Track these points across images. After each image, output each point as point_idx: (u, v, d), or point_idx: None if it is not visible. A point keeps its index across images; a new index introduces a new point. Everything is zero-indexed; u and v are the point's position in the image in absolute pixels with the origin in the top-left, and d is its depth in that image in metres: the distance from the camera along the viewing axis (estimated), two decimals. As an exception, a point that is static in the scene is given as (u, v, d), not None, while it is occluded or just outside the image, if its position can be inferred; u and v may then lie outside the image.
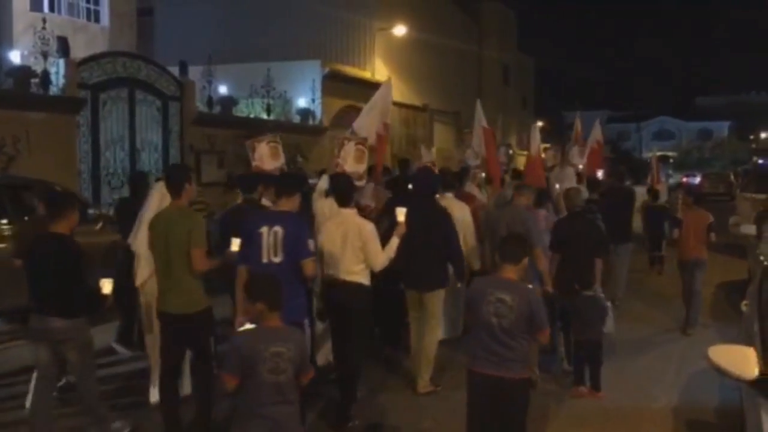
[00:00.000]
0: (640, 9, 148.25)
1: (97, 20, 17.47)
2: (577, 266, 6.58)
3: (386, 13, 23.85)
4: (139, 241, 5.74)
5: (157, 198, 5.75)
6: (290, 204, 5.10)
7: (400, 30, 23.49)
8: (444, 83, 29.40)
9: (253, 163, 7.60)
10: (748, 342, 4.26)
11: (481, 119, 11.46)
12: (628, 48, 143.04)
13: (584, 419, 5.91)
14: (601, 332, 6.44)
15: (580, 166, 12.79)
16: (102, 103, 12.89)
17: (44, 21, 12.54)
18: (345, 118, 21.31)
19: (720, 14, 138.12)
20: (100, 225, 8.94)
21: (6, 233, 8.08)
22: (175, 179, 5.15)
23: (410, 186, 7.66)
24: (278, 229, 4.88)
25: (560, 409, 6.07)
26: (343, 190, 5.76)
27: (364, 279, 5.60)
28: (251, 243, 4.95)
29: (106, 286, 5.00)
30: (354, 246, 5.47)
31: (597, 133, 14.30)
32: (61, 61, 12.24)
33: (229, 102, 16.95)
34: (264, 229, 4.91)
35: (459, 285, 6.75)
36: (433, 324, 6.39)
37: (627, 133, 69.99)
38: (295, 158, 16.55)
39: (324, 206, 6.31)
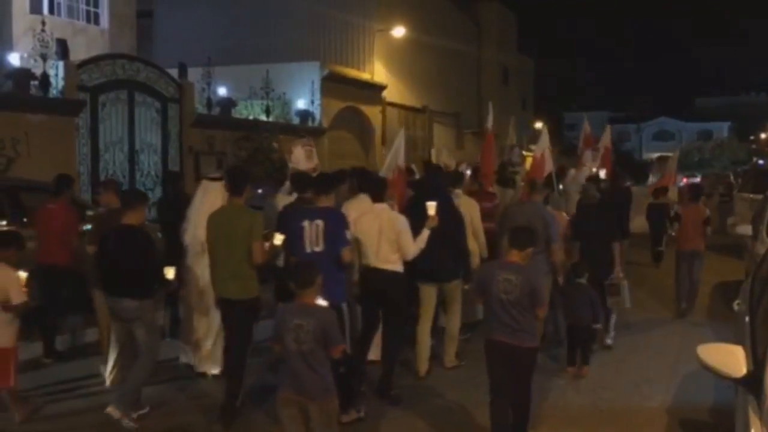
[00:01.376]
0: (639, 9, 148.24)
1: (96, 22, 17.50)
2: (597, 253, 7.37)
3: (385, 14, 23.89)
4: (190, 234, 6.47)
5: (199, 198, 6.53)
6: (328, 201, 5.73)
7: (399, 31, 23.51)
8: (443, 84, 29.43)
9: (290, 165, 8.26)
10: (739, 341, 4.29)
11: (488, 121, 11.99)
12: (628, 49, 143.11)
13: (578, 419, 5.94)
14: (591, 318, 6.96)
15: (594, 169, 13.19)
16: (101, 105, 12.93)
17: (44, 23, 12.59)
18: (344, 119, 21.39)
19: (719, 15, 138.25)
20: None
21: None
22: (238, 181, 5.77)
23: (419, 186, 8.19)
24: (319, 222, 5.52)
25: (554, 409, 6.10)
26: (376, 188, 6.33)
27: (399, 267, 6.18)
28: (295, 236, 5.55)
29: (170, 272, 5.68)
30: (389, 238, 6.04)
31: (606, 139, 14.98)
32: (61, 64, 12.28)
33: (228, 103, 16.97)
34: (306, 223, 5.54)
35: (466, 287, 7.00)
36: (455, 308, 7.08)
37: (627, 134, 70.06)
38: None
39: (350, 206, 6.58)
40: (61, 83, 12.18)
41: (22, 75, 11.75)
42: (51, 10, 16.10)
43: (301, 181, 6.80)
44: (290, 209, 6.50)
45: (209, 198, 6.39)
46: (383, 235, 6.02)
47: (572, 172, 12.80)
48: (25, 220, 8.35)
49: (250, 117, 17.85)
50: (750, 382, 3.50)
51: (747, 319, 4.52)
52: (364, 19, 23.68)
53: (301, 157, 8.11)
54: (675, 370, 7.13)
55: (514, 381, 5.01)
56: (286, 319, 4.26)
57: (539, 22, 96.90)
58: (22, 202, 8.67)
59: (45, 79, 11.86)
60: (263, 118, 17.84)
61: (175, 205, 6.99)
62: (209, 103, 16.31)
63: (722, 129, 68.60)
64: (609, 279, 7.57)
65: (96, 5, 17.51)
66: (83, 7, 17.22)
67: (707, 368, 3.72)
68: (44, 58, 11.97)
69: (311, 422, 4.30)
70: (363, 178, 6.72)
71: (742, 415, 3.62)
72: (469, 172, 10.89)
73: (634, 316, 9.05)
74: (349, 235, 5.64)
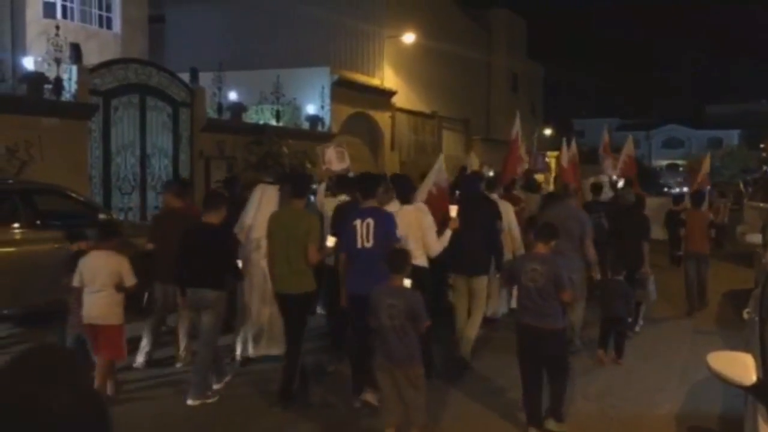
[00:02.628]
0: (649, 17, 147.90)
1: (109, 27, 17.65)
2: (629, 251, 8.31)
3: (395, 20, 23.97)
4: (254, 232, 7.04)
5: (256, 199, 7.18)
6: (373, 201, 6.22)
7: (409, 38, 23.59)
8: (453, 91, 29.48)
9: (323, 166, 8.82)
10: (750, 349, 4.29)
11: (514, 130, 12.88)
12: (638, 56, 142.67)
13: (586, 426, 5.95)
14: (624, 311, 7.74)
15: (614, 177, 13.76)
16: (113, 109, 13.02)
17: (57, 28, 12.70)
18: (353, 124, 21.45)
19: (730, 22, 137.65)
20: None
21: (18, 237, 8.18)
22: (301, 185, 6.41)
23: (457, 191, 9.10)
24: (370, 221, 5.96)
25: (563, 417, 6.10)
26: (404, 191, 6.91)
27: (424, 262, 6.69)
28: (347, 233, 6.03)
29: (240, 264, 6.68)
30: (415, 235, 6.58)
31: (629, 149, 15.31)
32: (74, 68, 12.37)
33: (238, 108, 17.05)
34: (357, 222, 5.99)
35: (497, 275, 7.84)
36: (478, 304, 7.53)
37: (636, 141, 69.72)
38: (304, 164, 16.65)
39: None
40: (74, 87, 12.27)
41: (36, 79, 11.85)
42: (64, 15, 16.26)
43: (343, 183, 7.51)
44: (343, 209, 7.12)
45: (266, 199, 7.11)
46: (410, 233, 6.50)
47: (591, 179, 13.28)
48: (38, 222, 8.43)
49: (261, 122, 17.93)
50: (760, 390, 3.51)
51: (757, 327, 4.53)
52: (375, 26, 23.78)
53: (333, 159, 8.74)
54: (684, 378, 7.12)
55: (548, 363, 5.64)
56: (381, 299, 5.07)
57: (549, 29, 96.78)
58: (36, 205, 8.74)
59: (58, 83, 11.95)
60: (273, 122, 17.91)
61: (240, 207, 7.52)
62: (220, 108, 16.39)
63: (732, 137, 68.29)
64: (638, 273, 8.45)
65: (108, 10, 17.67)
66: (96, 11, 17.37)
67: (717, 376, 3.72)
68: (58, 62, 12.07)
69: (400, 387, 5.05)
70: (393, 182, 7.25)
71: (751, 423, 3.63)
72: (491, 174, 11.30)
73: (648, 313, 9.38)
74: (399, 233, 6.12)
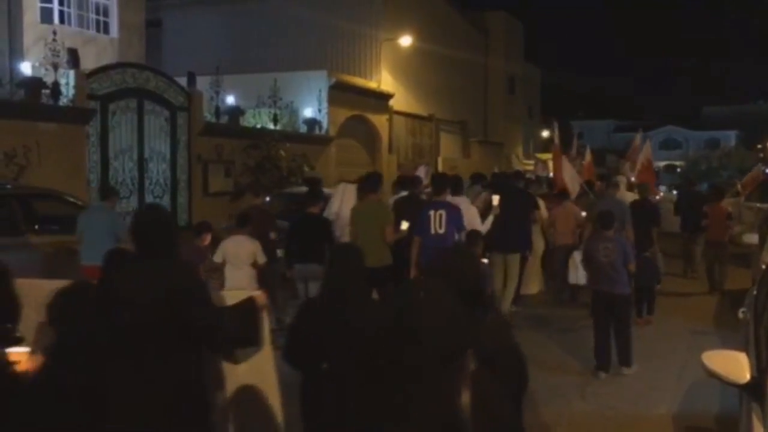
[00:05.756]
0: (647, 19, 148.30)
1: (106, 32, 17.67)
2: (641, 235, 9.69)
3: (392, 23, 24.01)
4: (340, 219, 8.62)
5: (340, 194, 9.02)
6: (444, 196, 7.91)
7: (406, 41, 23.63)
8: (450, 93, 29.53)
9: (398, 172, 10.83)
10: (744, 348, 4.32)
11: (555, 138, 14.71)
12: (635, 57, 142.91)
13: (583, 426, 5.96)
14: (652, 281, 9.37)
15: (632, 178, 14.85)
16: (111, 113, 13.05)
17: (55, 33, 12.73)
18: (351, 127, 21.49)
19: (728, 24, 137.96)
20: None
21: (16, 242, 8.18)
22: (373, 183, 8.00)
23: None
24: (442, 212, 7.61)
25: (560, 416, 6.12)
26: (456, 185, 8.62)
27: None
28: (423, 221, 7.60)
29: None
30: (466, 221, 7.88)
31: (647, 152, 16.20)
32: (71, 72, 12.40)
33: (236, 112, 17.08)
34: (432, 212, 7.64)
35: (528, 253, 9.77)
36: (513, 275, 9.27)
37: (632, 141, 69.72)
38: (302, 167, 16.68)
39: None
40: (71, 92, 12.30)
41: (34, 84, 11.88)
42: (61, 20, 16.28)
43: (406, 182, 9.77)
44: (404, 201, 8.75)
45: (348, 195, 8.82)
46: None
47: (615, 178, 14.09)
48: (36, 227, 8.44)
49: (258, 125, 17.95)
50: (753, 389, 3.54)
51: (751, 325, 4.56)
52: (372, 29, 23.81)
53: (423, 173, 11.42)
54: (681, 378, 7.14)
55: (616, 321, 7.12)
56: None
57: (546, 31, 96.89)
58: (35, 209, 8.76)
59: (56, 88, 11.98)
60: (271, 126, 17.94)
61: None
62: (217, 112, 16.41)
63: (730, 138, 68.28)
64: (650, 252, 9.88)
65: (106, 15, 17.69)
66: (93, 16, 17.39)
67: (712, 375, 3.75)
68: (55, 67, 12.09)
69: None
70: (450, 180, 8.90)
71: (745, 422, 3.66)
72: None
73: (669, 287, 10.87)
74: (465, 222, 7.63)
